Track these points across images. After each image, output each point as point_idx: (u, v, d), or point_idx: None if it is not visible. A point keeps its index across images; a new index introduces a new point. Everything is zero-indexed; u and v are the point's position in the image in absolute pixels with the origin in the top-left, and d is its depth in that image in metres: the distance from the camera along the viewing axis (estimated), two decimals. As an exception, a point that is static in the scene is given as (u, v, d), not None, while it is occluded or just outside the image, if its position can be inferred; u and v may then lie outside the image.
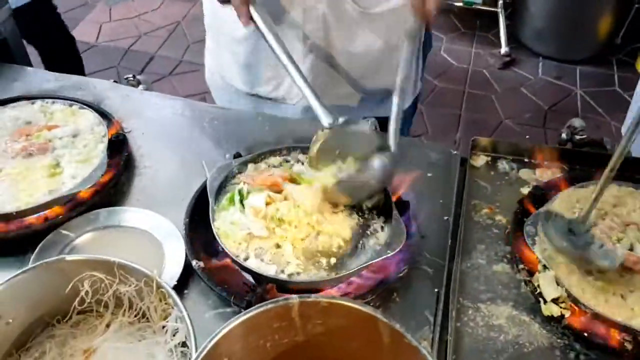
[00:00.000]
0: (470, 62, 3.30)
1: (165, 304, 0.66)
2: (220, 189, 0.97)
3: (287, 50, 0.96)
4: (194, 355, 0.54)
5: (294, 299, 0.58)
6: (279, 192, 0.95)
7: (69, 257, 0.67)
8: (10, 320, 0.66)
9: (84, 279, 0.67)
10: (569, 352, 0.82)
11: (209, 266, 0.89)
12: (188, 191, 1.00)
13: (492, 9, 3.37)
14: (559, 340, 0.84)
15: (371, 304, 0.82)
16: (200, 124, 1.17)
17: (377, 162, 0.92)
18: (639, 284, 0.85)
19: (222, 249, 0.87)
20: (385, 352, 0.61)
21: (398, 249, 0.87)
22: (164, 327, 0.66)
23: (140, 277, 0.65)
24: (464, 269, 0.92)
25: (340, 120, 0.93)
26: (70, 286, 0.67)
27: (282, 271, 0.85)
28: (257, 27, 0.97)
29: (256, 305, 0.58)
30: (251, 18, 0.97)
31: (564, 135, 1.24)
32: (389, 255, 0.87)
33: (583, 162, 1.07)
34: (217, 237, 0.88)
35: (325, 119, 0.93)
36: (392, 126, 0.94)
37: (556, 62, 3.21)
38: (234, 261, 0.87)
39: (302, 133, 1.09)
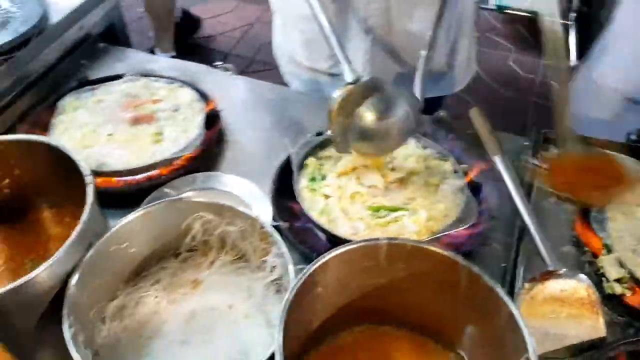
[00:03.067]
0: (538, 72, 3.30)
1: (265, 244, 0.75)
2: (302, 162, 1.06)
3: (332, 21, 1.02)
4: (294, 282, 0.63)
5: (383, 240, 0.66)
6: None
7: (186, 198, 0.78)
8: (134, 249, 0.77)
9: (196, 219, 0.77)
10: (628, 329, 0.87)
11: (292, 227, 0.98)
12: (272, 163, 1.09)
13: (564, 22, 3.36)
14: (619, 317, 0.89)
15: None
16: (285, 106, 1.28)
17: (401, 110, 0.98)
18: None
19: (304, 212, 0.96)
20: (460, 296, 0.68)
21: (469, 224, 0.94)
22: (262, 264, 0.76)
23: (245, 220, 0.75)
24: (531, 248, 0.98)
25: (364, 79, 0.98)
26: (185, 223, 0.77)
27: (356, 234, 0.93)
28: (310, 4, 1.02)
29: (350, 242, 0.66)
30: None
31: (633, 137, 1.28)
32: (460, 229, 0.94)
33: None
34: (299, 201, 0.97)
35: (349, 75, 0.98)
36: (419, 77, 1.01)
37: (626, 76, 3.17)
38: (313, 223, 0.95)
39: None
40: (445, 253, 0.65)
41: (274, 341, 0.57)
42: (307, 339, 0.74)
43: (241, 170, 1.11)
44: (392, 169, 1.05)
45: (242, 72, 3.20)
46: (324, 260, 0.65)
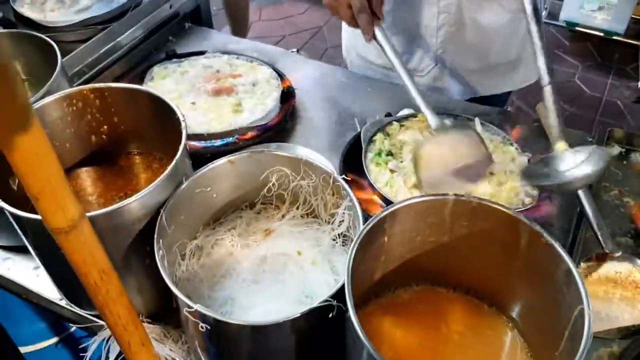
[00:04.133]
0: (605, 92, 3.25)
1: (336, 198, 0.81)
2: (371, 139, 1.12)
3: (403, 62, 1.08)
4: (364, 226, 0.68)
5: (450, 195, 0.71)
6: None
7: (267, 150, 0.84)
8: (215, 195, 0.84)
9: (274, 172, 0.84)
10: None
11: (359, 197, 1.03)
12: (341, 139, 1.16)
13: (634, 42, 3.31)
14: (674, 307, 0.90)
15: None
16: (356, 88, 1.34)
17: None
18: None
19: (370, 182, 1.02)
20: (519, 257, 0.72)
21: (530, 206, 0.98)
22: (331, 217, 0.81)
23: (320, 174, 0.81)
24: (588, 236, 1.00)
25: (448, 122, 1.03)
26: (263, 175, 0.84)
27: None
28: (380, 45, 1.08)
29: (418, 195, 0.71)
30: (374, 37, 1.09)
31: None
32: (521, 209, 0.97)
33: None
34: (366, 172, 1.03)
35: (434, 121, 1.03)
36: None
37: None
38: (379, 194, 1.00)
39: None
40: (508, 211, 0.69)
41: (343, 277, 0.62)
42: (369, 290, 0.79)
43: (312, 144, 1.18)
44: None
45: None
46: (394, 208, 0.70)
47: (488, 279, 0.77)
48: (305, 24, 3.84)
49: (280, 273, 0.80)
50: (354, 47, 1.51)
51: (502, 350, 0.76)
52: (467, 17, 1.28)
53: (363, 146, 1.09)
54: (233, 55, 1.35)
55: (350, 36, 1.52)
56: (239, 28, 3.29)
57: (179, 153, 0.77)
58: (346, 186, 0.78)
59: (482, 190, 0.99)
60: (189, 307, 0.65)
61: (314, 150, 1.15)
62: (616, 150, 1.17)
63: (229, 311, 0.76)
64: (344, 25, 1.53)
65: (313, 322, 0.67)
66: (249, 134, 1.15)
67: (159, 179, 0.74)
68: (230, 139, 1.14)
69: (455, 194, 0.71)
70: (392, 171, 1.05)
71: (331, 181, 0.80)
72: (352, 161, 1.09)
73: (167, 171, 0.75)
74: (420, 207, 0.71)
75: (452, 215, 0.72)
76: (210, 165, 0.81)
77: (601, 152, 0.85)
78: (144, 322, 0.86)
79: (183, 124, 0.80)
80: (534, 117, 1.23)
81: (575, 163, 0.85)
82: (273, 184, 0.85)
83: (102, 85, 0.89)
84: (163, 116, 0.85)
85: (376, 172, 1.05)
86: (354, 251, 0.65)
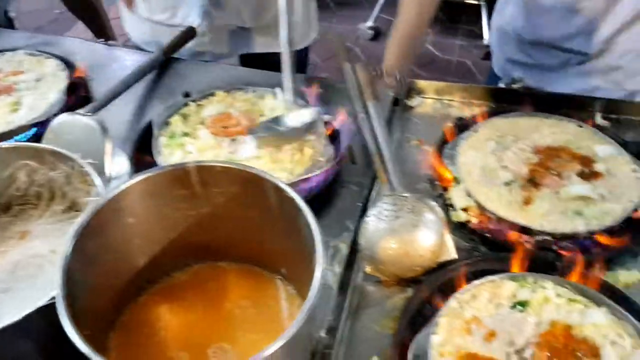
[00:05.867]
0: (455, 53, 3.38)
1: (88, 186, 0.74)
2: (166, 121, 1.06)
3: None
4: (85, 212, 0.61)
5: (191, 163, 0.66)
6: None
7: (3, 145, 0.75)
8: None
9: (20, 168, 0.75)
10: (473, 252, 0.89)
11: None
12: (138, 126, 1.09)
13: (475, 2, 3.46)
14: (466, 244, 0.91)
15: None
16: (154, 73, 1.27)
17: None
18: (540, 195, 0.92)
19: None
20: (276, 215, 0.68)
21: (325, 168, 0.96)
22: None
23: (66, 162, 0.74)
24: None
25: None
26: (6, 173, 0.75)
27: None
28: None
29: (153, 168, 0.66)
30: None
31: (501, 85, 1.32)
32: (317, 172, 0.95)
33: (509, 100, 1.14)
34: (155, 156, 0.97)
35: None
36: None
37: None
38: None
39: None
40: (252, 170, 0.65)
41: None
42: (136, 278, 0.73)
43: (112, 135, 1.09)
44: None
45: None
46: (122, 188, 0.64)
47: (256, 243, 0.73)
48: None
49: (34, 276, 0.72)
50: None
51: (282, 316, 0.73)
52: None
53: (154, 131, 1.02)
54: (18, 52, 1.23)
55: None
56: (98, 28, 3.04)
57: None
58: (92, 171, 0.71)
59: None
60: None
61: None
62: (417, 101, 1.18)
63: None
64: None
65: (44, 324, 0.60)
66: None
67: None
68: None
69: (197, 161, 0.66)
70: (188, 152, 1.00)
71: (78, 168, 0.73)
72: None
73: None
74: (159, 180, 0.66)
75: (200, 184, 0.68)
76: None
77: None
78: None
79: None
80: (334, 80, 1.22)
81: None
82: (22, 182, 0.76)
83: None
84: None
85: (166, 154, 0.99)
86: (70, 245, 0.58)
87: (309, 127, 0.99)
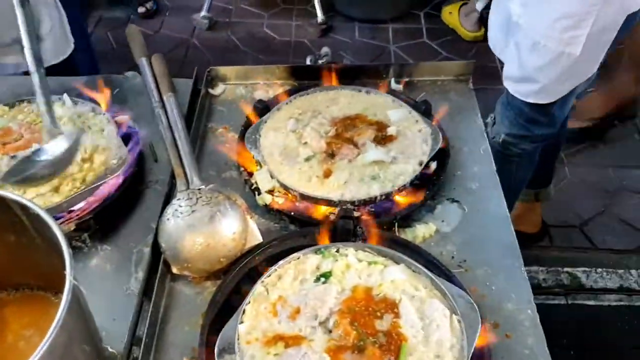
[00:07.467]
0: (292, 34, 3.41)
1: None
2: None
3: None
4: None
5: None
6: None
7: None
8: None
9: None
10: (283, 231, 0.90)
11: None
12: None
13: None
14: (276, 225, 0.92)
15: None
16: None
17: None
18: (339, 166, 0.94)
19: None
20: (34, 236, 0.63)
21: (119, 172, 0.91)
22: None
23: None
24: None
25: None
26: None
27: None
28: None
29: None
30: None
31: (308, 62, 1.33)
32: (111, 178, 0.90)
33: (311, 77, 1.16)
34: None
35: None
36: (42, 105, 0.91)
37: (370, 24, 3.41)
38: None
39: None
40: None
41: None
42: None
43: None
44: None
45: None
46: None
47: (35, 267, 0.68)
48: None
49: None
50: None
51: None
52: None
53: None
54: None
55: None
56: None
57: None
58: None
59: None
60: None
61: None
62: (220, 88, 1.15)
63: None
64: None
65: None
66: None
67: None
68: None
69: None
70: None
71: None
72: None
73: None
74: None
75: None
76: None
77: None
78: None
79: None
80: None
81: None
82: None
83: None
84: None
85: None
86: None
87: (69, 153, 0.89)
